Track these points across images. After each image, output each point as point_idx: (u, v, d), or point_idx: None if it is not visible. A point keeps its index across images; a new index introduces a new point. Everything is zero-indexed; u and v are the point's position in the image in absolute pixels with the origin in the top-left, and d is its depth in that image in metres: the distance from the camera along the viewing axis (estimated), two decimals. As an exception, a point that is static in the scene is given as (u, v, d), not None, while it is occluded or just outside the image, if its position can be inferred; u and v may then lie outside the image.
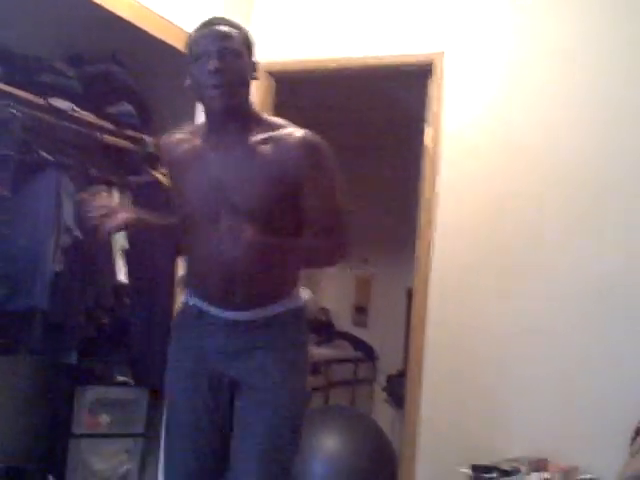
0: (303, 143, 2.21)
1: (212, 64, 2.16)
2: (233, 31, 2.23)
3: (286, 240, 2.24)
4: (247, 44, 2.26)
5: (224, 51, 2.18)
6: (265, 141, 2.22)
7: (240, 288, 2.25)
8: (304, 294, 2.45)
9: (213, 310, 2.32)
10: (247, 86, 2.26)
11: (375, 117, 6.03)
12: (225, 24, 2.24)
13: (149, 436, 3.98)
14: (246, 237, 2.14)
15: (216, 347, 2.33)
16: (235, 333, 2.30)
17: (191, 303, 2.39)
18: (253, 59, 2.30)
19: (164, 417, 3.87)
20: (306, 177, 2.20)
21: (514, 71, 3.79)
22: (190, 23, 3.72)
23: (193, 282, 2.40)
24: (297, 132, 2.23)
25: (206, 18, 2.30)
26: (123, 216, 2.27)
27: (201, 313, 2.35)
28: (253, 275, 2.23)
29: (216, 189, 2.23)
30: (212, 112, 2.26)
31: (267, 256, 2.21)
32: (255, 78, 2.31)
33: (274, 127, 2.26)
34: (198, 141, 2.32)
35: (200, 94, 2.24)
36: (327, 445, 4.03)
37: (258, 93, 4.18)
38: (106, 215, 2.23)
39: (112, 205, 2.37)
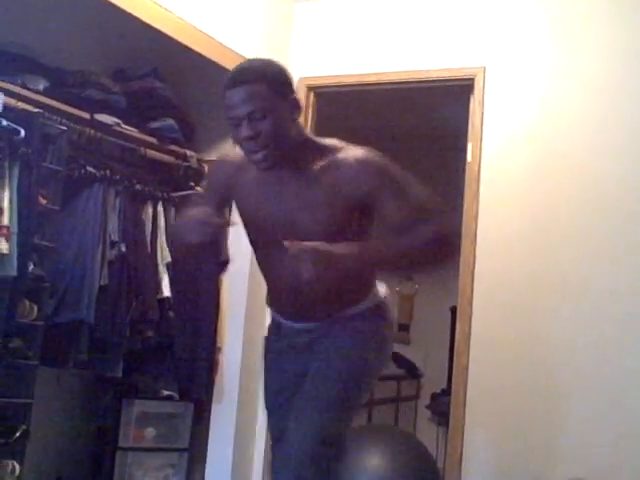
0: (364, 164, 2.16)
1: (244, 132, 2.11)
2: (257, 88, 2.11)
3: (365, 251, 2.15)
4: (277, 89, 2.14)
5: (252, 115, 2.10)
6: (325, 167, 2.19)
7: (308, 308, 2.30)
8: (382, 290, 2.40)
9: (287, 323, 2.39)
10: (288, 132, 2.16)
11: (416, 132, 6.03)
12: (248, 80, 2.12)
13: (194, 450, 3.99)
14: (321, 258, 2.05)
15: (290, 366, 2.39)
16: (306, 335, 2.34)
17: (272, 315, 2.48)
18: (290, 97, 2.18)
19: (210, 430, 3.93)
20: (376, 195, 2.16)
21: (555, 86, 3.77)
22: (232, 39, 3.82)
23: (269, 298, 2.46)
24: (356, 153, 2.19)
25: (233, 69, 2.23)
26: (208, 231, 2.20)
27: (280, 325, 2.43)
28: (319, 298, 2.26)
29: (279, 220, 2.23)
30: None
31: (333, 282, 2.18)
32: (297, 113, 2.20)
33: (332, 151, 2.21)
34: (256, 169, 2.26)
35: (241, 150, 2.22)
36: (370, 463, 3.98)
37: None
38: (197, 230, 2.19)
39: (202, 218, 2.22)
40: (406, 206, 2.15)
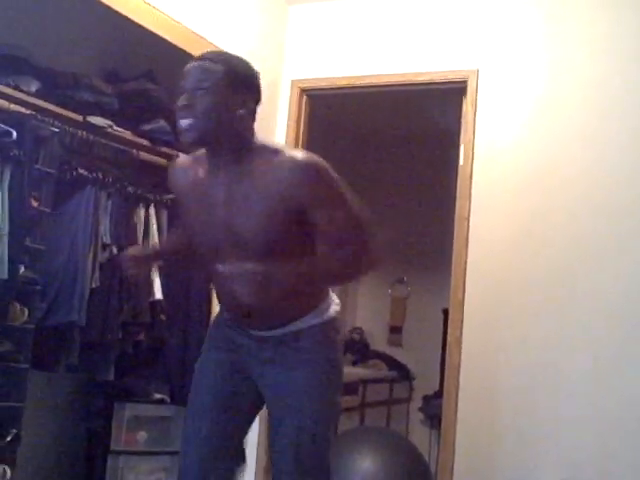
0: (297, 167, 2.12)
1: (180, 100, 2.14)
2: (213, 67, 2.14)
3: (293, 268, 2.19)
4: (231, 79, 2.15)
5: (195, 88, 2.12)
6: (265, 171, 2.15)
7: (254, 315, 2.28)
8: (335, 307, 2.40)
9: (239, 327, 2.38)
10: (223, 119, 2.14)
11: (409, 134, 6.03)
12: (210, 59, 2.17)
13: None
14: (254, 277, 2.17)
15: (248, 350, 2.36)
16: (264, 344, 2.32)
17: (223, 315, 2.46)
18: (242, 95, 2.17)
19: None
20: (308, 199, 2.13)
21: (549, 89, 3.78)
22: (226, 41, 3.81)
23: (219, 301, 2.44)
24: (291, 157, 2.16)
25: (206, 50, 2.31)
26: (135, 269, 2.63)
27: (232, 325, 2.41)
28: (264, 305, 2.25)
29: (219, 224, 2.20)
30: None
31: (275, 289, 2.19)
32: (243, 113, 2.17)
33: (273, 155, 2.17)
34: (202, 171, 2.26)
35: None
36: (362, 466, 3.99)
37: (292, 110, 4.22)
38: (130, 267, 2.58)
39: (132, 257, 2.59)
40: (338, 215, 2.15)
